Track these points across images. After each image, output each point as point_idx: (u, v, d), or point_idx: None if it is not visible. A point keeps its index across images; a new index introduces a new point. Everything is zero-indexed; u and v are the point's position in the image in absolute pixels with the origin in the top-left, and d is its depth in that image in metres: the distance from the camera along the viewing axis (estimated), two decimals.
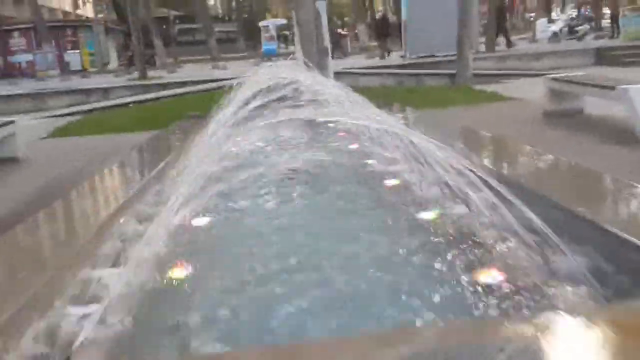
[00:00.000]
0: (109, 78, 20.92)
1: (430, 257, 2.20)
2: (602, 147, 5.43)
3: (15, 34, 31.41)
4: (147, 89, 15.60)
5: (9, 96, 15.60)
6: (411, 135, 2.55)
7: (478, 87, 11.31)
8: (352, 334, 1.79)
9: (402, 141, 2.83)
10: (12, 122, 7.34)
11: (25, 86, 19.08)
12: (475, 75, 12.67)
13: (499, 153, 3.72)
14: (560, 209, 2.15)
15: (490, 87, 11.03)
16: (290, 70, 4.36)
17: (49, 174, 5.98)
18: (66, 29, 31.83)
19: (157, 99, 13.49)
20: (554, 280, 1.90)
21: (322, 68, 7.76)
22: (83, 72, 26.67)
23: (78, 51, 30.40)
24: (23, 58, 31.29)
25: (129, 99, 14.05)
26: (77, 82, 19.69)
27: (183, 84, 15.56)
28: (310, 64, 5.97)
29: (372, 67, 16.91)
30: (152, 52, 24.29)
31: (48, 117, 11.86)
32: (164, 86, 15.82)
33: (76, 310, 1.86)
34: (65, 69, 27.66)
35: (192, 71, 21.40)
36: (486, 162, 3.02)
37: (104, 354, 1.72)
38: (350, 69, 15.66)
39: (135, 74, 19.40)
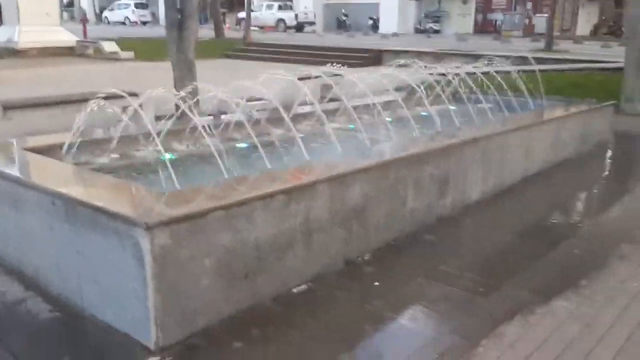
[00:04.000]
0: (538, 45, 20.86)
1: None
2: None
3: None
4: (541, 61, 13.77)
5: (407, 52, 16.15)
6: None
7: None
8: None
9: None
10: None
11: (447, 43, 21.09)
12: None
13: None
14: None
15: None
16: None
17: None
18: None
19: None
20: None
21: None
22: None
23: (546, 15, 28.48)
24: (497, 17, 32.59)
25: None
26: (501, 46, 20.91)
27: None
28: None
29: None
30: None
31: None
32: (558, 61, 14.74)
33: None
34: (532, 31, 27.82)
35: None
36: None
37: None
38: None
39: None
